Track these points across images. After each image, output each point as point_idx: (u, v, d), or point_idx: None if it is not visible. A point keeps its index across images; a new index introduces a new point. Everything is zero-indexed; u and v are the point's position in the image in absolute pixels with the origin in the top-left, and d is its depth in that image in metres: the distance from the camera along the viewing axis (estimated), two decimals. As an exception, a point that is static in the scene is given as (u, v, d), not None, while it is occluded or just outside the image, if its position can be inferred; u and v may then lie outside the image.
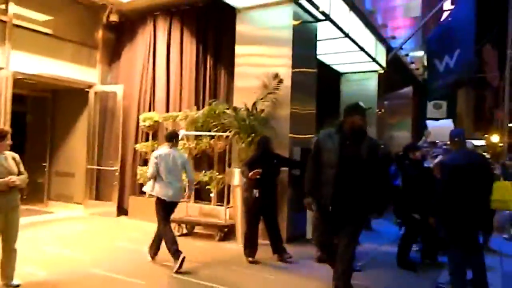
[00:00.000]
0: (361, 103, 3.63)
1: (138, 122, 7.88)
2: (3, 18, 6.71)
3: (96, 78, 8.34)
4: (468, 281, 4.14)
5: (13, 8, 6.80)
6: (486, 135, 34.88)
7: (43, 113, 9.03)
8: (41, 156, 8.87)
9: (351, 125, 3.52)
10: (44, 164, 8.83)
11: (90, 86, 8.26)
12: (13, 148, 3.95)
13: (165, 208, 4.87)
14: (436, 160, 5.19)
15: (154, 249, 4.98)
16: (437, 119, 16.86)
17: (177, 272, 4.51)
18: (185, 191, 5.22)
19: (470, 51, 9.45)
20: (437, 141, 8.73)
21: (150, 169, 4.89)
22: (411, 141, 6.42)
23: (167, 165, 4.85)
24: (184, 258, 4.54)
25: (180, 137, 6.77)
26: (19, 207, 3.85)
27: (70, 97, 8.66)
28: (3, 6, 6.72)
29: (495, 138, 30.86)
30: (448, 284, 4.31)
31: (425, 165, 5.40)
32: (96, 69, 8.35)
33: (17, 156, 3.92)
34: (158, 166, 4.83)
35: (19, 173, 3.82)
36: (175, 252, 4.57)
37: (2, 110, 6.60)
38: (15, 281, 3.89)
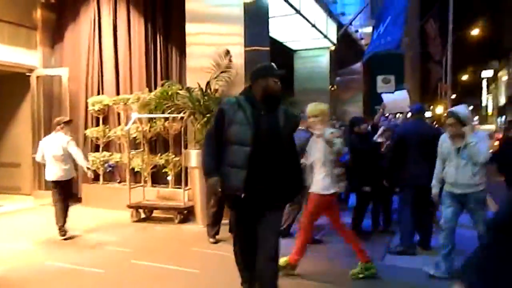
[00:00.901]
0: (273, 64, 2.98)
1: (87, 107, 7.54)
2: None
3: (37, 61, 7.83)
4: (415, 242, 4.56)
5: None
6: (431, 107, 36.78)
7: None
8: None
9: (264, 90, 2.81)
10: (-15, 154, 8.27)
11: (31, 70, 7.75)
12: None
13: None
14: (380, 131, 5.44)
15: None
16: (388, 93, 17.50)
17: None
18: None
19: (399, 22, 9.66)
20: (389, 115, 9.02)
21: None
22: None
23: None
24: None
25: (132, 120, 6.59)
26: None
27: (11, 83, 8.09)
28: None
29: (439, 109, 32.65)
30: (398, 246, 4.60)
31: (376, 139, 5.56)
32: (36, 51, 7.83)
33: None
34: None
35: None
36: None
37: None
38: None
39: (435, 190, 4.03)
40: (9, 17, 7.32)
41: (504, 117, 30.56)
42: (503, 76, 35.60)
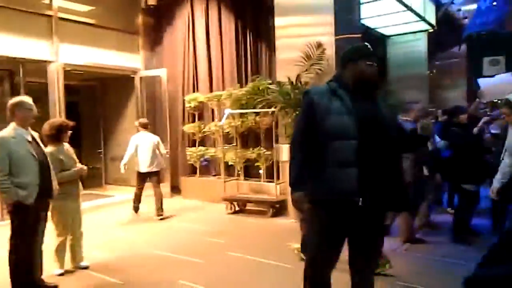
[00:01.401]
0: (367, 44, 2.51)
1: (183, 104, 7.98)
2: (49, 12, 6.93)
3: (139, 63, 8.50)
4: None
5: (57, 2, 7.01)
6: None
7: (93, 101, 9.40)
8: (96, 143, 9.28)
9: (357, 75, 2.34)
10: (99, 150, 9.24)
11: (135, 72, 8.44)
12: (71, 138, 4.13)
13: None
14: (481, 123, 4.81)
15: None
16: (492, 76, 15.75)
17: None
18: None
19: None
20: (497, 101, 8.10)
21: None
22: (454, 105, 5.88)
23: None
24: None
25: (226, 116, 6.81)
26: (80, 194, 4.09)
27: (117, 84, 8.91)
28: (47, 1, 6.94)
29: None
30: None
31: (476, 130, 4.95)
32: (139, 54, 8.50)
33: (70, 146, 4.12)
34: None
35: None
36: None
37: (57, 101, 6.92)
38: (83, 263, 4.15)
39: (496, 185, 3.57)
40: (115, 25, 8.05)
41: None
42: None
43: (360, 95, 2.35)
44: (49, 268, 3.87)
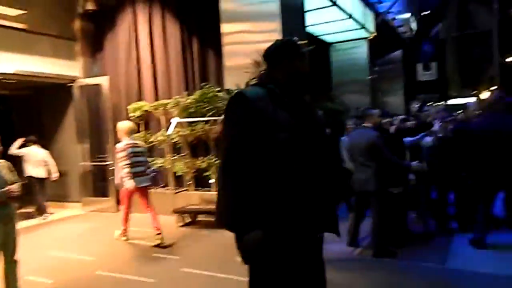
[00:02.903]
0: (296, 38, 2.12)
1: (127, 113, 7.62)
2: (-27, 16, 6.33)
3: (78, 71, 8.01)
4: None
5: (-18, 5, 6.42)
6: (475, 92, 34.97)
7: (28, 112, 8.72)
8: (31, 157, 8.58)
9: (292, 74, 1.98)
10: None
11: (73, 80, 7.94)
12: (4, 152, 3.73)
13: None
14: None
15: None
16: (427, 82, 16.78)
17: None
18: None
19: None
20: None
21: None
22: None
23: None
24: None
25: (173, 125, 6.59)
26: (16, 217, 3.66)
27: (55, 93, 8.32)
28: (-29, 4, 6.33)
29: (485, 94, 30.97)
30: None
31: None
32: (77, 62, 8.01)
33: (10, 164, 3.70)
34: None
35: (14, 182, 3.61)
36: None
37: (-15, 114, 6.32)
38: (20, 293, 3.74)
39: None
40: (49, 30, 7.51)
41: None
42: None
43: (295, 98, 1.99)
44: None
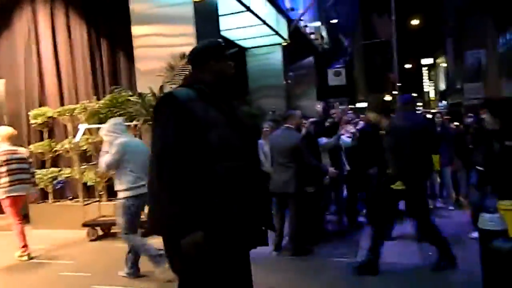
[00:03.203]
0: (220, 40, 2.17)
1: (28, 120, 6.96)
2: None
3: (-33, 73, 7.13)
4: None
5: None
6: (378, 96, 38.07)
7: None
8: None
9: (221, 76, 2.02)
10: None
11: (-39, 84, 7.04)
12: None
13: None
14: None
15: None
16: (338, 86, 17.83)
17: None
18: None
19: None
20: None
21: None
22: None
23: None
24: None
25: (82, 132, 6.15)
26: None
27: None
28: None
29: (387, 98, 33.91)
30: None
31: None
32: (-35, 63, 7.13)
33: None
34: None
35: None
36: None
37: None
38: None
39: None
40: None
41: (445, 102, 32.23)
42: (442, 63, 37.53)
43: (223, 101, 1.99)
44: None
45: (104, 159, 3.97)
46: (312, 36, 14.97)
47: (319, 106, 6.40)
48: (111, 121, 4.21)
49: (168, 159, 1.77)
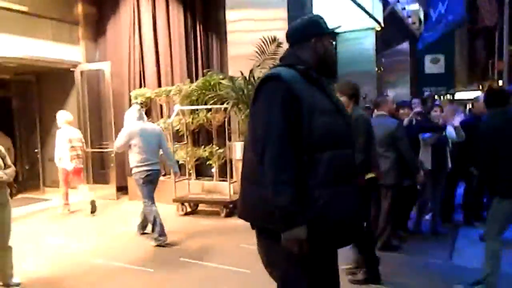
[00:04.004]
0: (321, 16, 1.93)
1: (130, 100, 7.50)
2: (-27, -3, 6.20)
3: (80, 56, 7.88)
4: None
5: (-18, -14, 6.28)
6: (481, 86, 34.57)
7: (29, 97, 8.59)
8: (32, 142, 8.52)
9: (324, 55, 1.84)
10: (36, 150, 8.48)
11: (75, 66, 7.80)
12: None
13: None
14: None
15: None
16: (435, 74, 16.55)
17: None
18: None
19: None
20: None
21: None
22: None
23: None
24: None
25: (175, 112, 6.47)
26: (8, 202, 3.57)
27: (56, 78, 8.19)
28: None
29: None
30: None
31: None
32: (79, 46, 7.88)
33: (1, 148, 3.60)
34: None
35: (5, 167, 3.51)
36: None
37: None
38: (15, 279, 3.68)
39: None
40: (51, 13, 7.37)
41: None
42: None
43: (324, 81, 1.84)
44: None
45: (115, 142, 4.86)
46: (409, 20, 13.99)
47: (415, 103, 5.83)
48: (129, 110, 5.00)
49: (273, 144, 1.63)
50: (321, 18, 1.91)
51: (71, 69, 7.82)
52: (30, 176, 8.58)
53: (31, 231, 5.56)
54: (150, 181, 4.74)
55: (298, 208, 1.60)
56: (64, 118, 6.32)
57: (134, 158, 4.69)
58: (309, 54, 1.84)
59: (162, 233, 4.66)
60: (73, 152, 6.19)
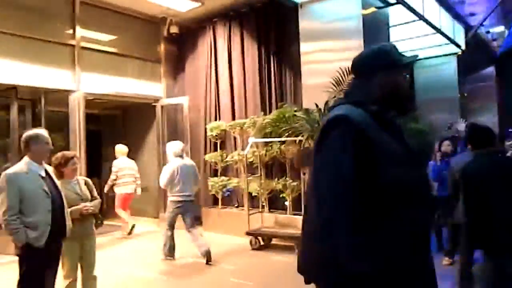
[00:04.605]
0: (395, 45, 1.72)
1: (205, 132, 7.75)
2: (72, 42, 6.89)
3: (161, 91, 8.36)
4: None
5: (80, 32, 6.97)
6: None
7: (115, 130, 9.26)
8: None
9: (394, 90, 1.61)
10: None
11: (156, 100, 8.29)
12: (91, 165, 3.86)
13: None
14: None
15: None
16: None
17: None
18: None
19: None
20: None
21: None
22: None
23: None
24: None
25: (249, 145, 6.51)
26: (94, 234, 3.74)
27: (139, 113, 8.77)
28: (71, 31, 6.91)
29: None
30: None
31: None
32: (161, 83, 8.37)
33: (89, 180, 3.83)
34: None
35: (92, 198, 3.71)
36: None
37: (77, 130, 6.75)
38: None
39: None
40: (137, 53, 7.96)
41: None
42: None
43: (393, 124, 1.63)
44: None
45: (161, 179, 5.56)
46: (494, 44, 13.01)
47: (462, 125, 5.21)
48: (172, 143, 5.78)
49: (342, 195, 1.40)
50: (394, 47, 1.68)
51: (152, 104, 8.30)
52: (113, 204, 9.10)
53: (113, 259, 5.78)
54: (181, 212, 5.52)
55: (376, 274, 1.38)
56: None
57: (173, 190, 5.49)
58: (376, 89, 1.61)
59: (169, 255, 5.58)
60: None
